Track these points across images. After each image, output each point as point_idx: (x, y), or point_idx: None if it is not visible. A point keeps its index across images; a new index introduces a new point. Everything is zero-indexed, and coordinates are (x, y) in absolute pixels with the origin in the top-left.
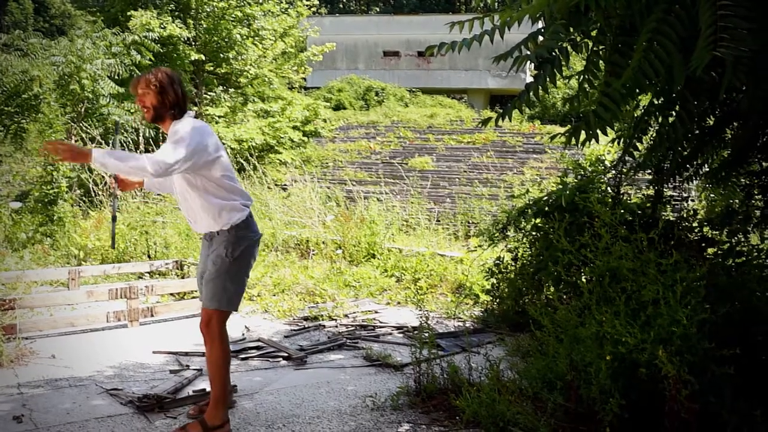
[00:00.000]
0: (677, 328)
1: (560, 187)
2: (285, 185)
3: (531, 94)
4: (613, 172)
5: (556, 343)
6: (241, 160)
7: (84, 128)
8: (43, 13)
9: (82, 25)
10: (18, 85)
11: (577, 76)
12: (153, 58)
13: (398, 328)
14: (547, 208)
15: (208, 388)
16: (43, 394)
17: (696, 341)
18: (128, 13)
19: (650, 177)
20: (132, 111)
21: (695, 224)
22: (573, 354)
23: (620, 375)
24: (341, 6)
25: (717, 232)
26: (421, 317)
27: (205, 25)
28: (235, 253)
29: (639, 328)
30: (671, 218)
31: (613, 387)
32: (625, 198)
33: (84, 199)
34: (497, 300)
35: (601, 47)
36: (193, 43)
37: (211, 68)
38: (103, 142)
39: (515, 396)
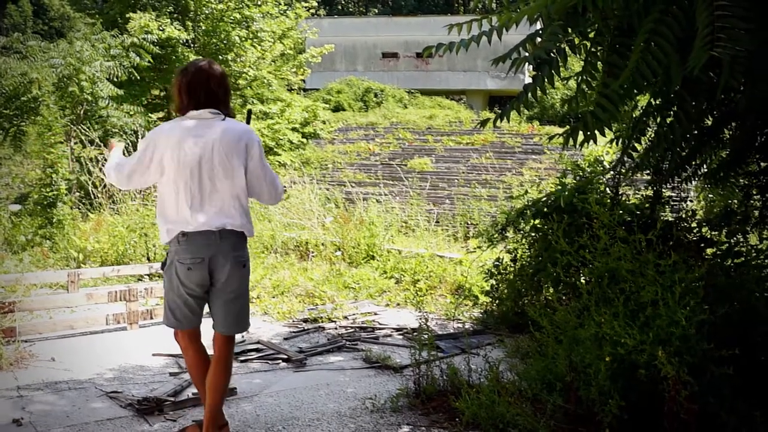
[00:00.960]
0: (676, 329)
1: (559, 188)
2: (284, 187)
3: (529, 95)
4: (612, 172)
5: (555, 345)
6: None
7: (83, 130)
8: (42, 15)
9: (81, 27)
10: (17, 88)
11: (575, 77)
12: (152, 60)
13: (398, 329)
14: (545, 209)
15: None
16: (42, 397)
17: (695, 342)
18: (127, 16)
19: (649, 177)
20: (131, 113)
21: (694, 225)
22: (572, 355)
23: (619, 376)
24: (340, 8)
25: (716, 233)
26: (420, 319)
27: (203, 27)
28: (164, 265)
29: (638, 329)
30: (670, 219)
31: (612, 388)
32: (623, 199)
33: (83, 201)
34: (496, 301)
35: (598, 48)
36: (192, 45)
37: None
38: (102, 144)
39: (515, 397)
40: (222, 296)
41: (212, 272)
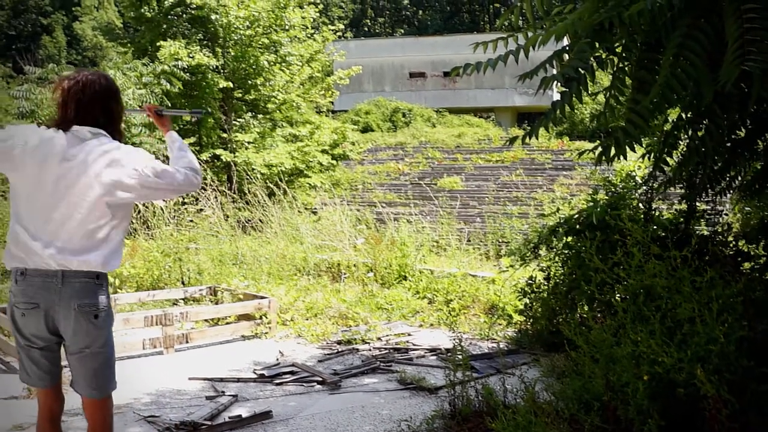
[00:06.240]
0: (715, 347)
1: (591, 204)
2: (315, 209)
3: (557, 111)
4: (644, 187)
5: (591, 363)
6: (271, 185)
7: None
8: (76, 46)
9: (113, 56)
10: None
11: (604, 93)
12: (182, 87)
13: (432, 350)
14: (578, 226)
15: (245, 414)
16: (80, 423)
17: (734, 359)
18: (157, 44)
19: (682, 191)
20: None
21: (730, 238)
22: (609, 374)
23: (658, 395)
24: (366, 29)
25: (753, 246)
26: (454, 339)
27: (233, 53)
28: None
29: (675, 347)
30: (705, 233)
31: (651, 407)
32: (657, 214)
33: None
34: (531, 320)
35: (626, 64)
36: (222, 71)
37: (240, 95)
38: None
39: (552, 418)
40: (73, 351)
41: (54, 323)
